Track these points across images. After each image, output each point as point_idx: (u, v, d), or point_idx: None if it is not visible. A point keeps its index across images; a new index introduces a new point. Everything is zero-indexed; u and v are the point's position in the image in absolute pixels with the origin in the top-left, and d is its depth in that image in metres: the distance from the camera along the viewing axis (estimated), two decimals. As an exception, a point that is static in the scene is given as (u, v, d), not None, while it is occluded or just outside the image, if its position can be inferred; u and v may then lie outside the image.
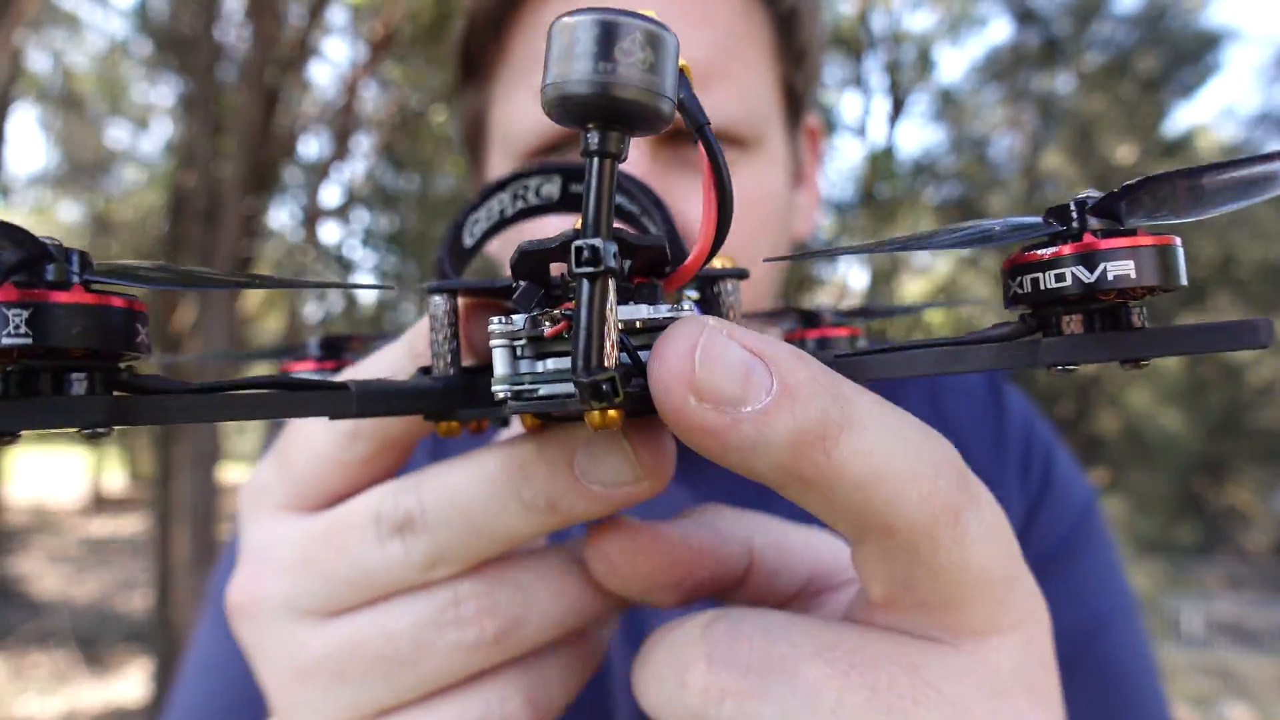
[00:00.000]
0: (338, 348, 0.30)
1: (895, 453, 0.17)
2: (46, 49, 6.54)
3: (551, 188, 0.24)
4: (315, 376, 0.19)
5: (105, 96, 7.33)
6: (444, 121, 4.95)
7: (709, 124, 0.16)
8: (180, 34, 4.40)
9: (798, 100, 0.54)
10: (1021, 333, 0.17)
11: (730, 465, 0.17)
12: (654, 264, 0.18)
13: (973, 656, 0.19)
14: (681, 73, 0.15)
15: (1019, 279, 0.16)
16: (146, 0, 5.27)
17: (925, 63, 8.25)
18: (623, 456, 0.20)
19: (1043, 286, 0.16)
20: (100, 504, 11.00)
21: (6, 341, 0.15)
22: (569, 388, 0.17)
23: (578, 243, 0.15)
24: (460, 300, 0.21)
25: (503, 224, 0.24)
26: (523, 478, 0.21)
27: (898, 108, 8.21)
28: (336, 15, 5.43)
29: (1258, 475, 6.83)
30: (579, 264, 0.15)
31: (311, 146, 5.48)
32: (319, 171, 5.18)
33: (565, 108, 0.14)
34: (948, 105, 8.36)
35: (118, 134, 8.06)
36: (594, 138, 0.14)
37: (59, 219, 7.99)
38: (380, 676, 0.23)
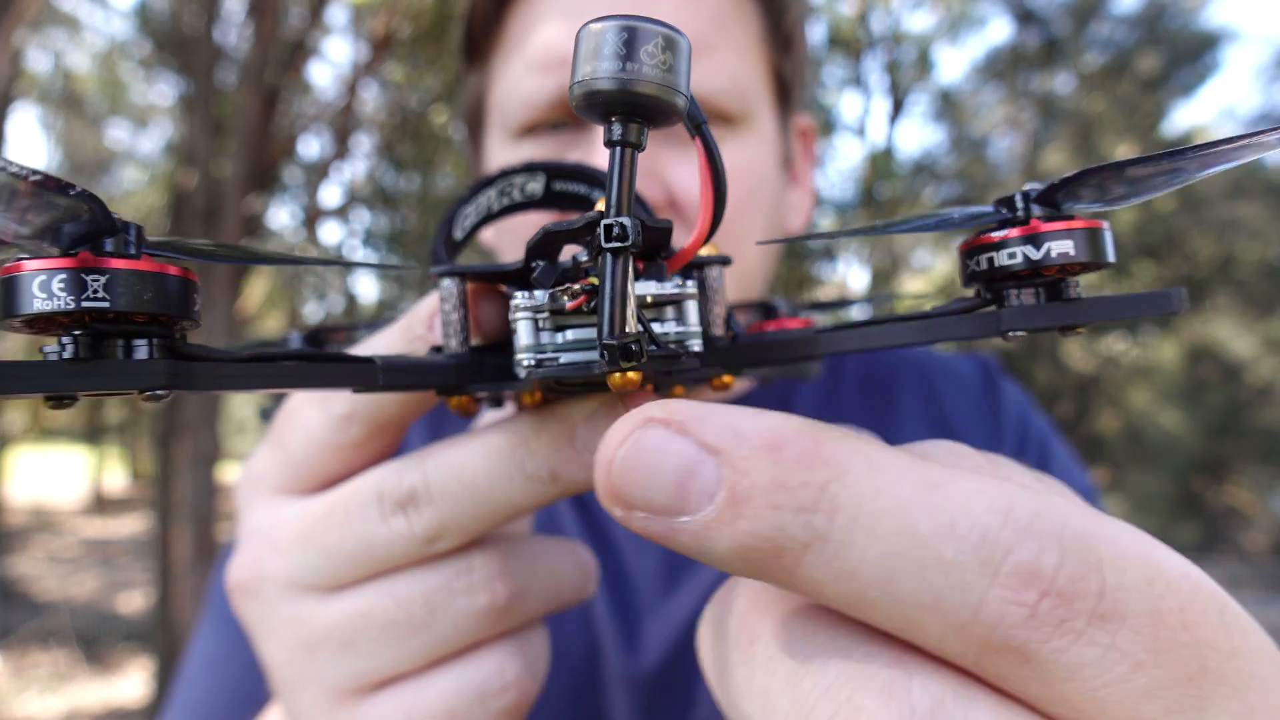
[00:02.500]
0: (320, 339, 0.30)
1: (897, 573, 0.14)
2: (47, 49, 6.54)
3: (536, 185, 0.25)
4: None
5: (105, 97, 7.33)
6: (444, 122, 4.95)
7: (707, 122, 0.17)
8: (180, 34, 4.40)
9: (786, 88, 0.55)
10: (978, 306, 0.19)
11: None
12: (658, 247, 0.19)
13: None
14: None
15: (976, 258, 0.18)
16: (146, 0, 5.27)
17: (925, 63, 8.25)
18: None
19: (997, 264, 0.18)
20: (101, 504, 11.00)
21: (86, 305, 0.15)
22: (589, 354, 0.18)
23: (606, 220, 0.16)
24: (469, 284, 0.22)
25: (489, 218, 0.25)
26: (526, 451, 0.22)
27: (897, 108, 8.21)
28: (336, 15, 5.44)
29: (1257, 475, 6.83)
30: (608, 239, 0.16)
31: (312, 146, 5.49)
32: (319, 171, 5.18)
33: (591, 103, 0.15)
34: (947, 105, 8.36)
35: (117, 134, 8.06)
36: (617, 129, 0.16)
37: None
38: (390, 643, 0.24)
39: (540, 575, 0.25)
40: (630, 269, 0.16)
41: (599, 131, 0.48)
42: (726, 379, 0.21)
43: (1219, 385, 7.04)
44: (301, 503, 0.25)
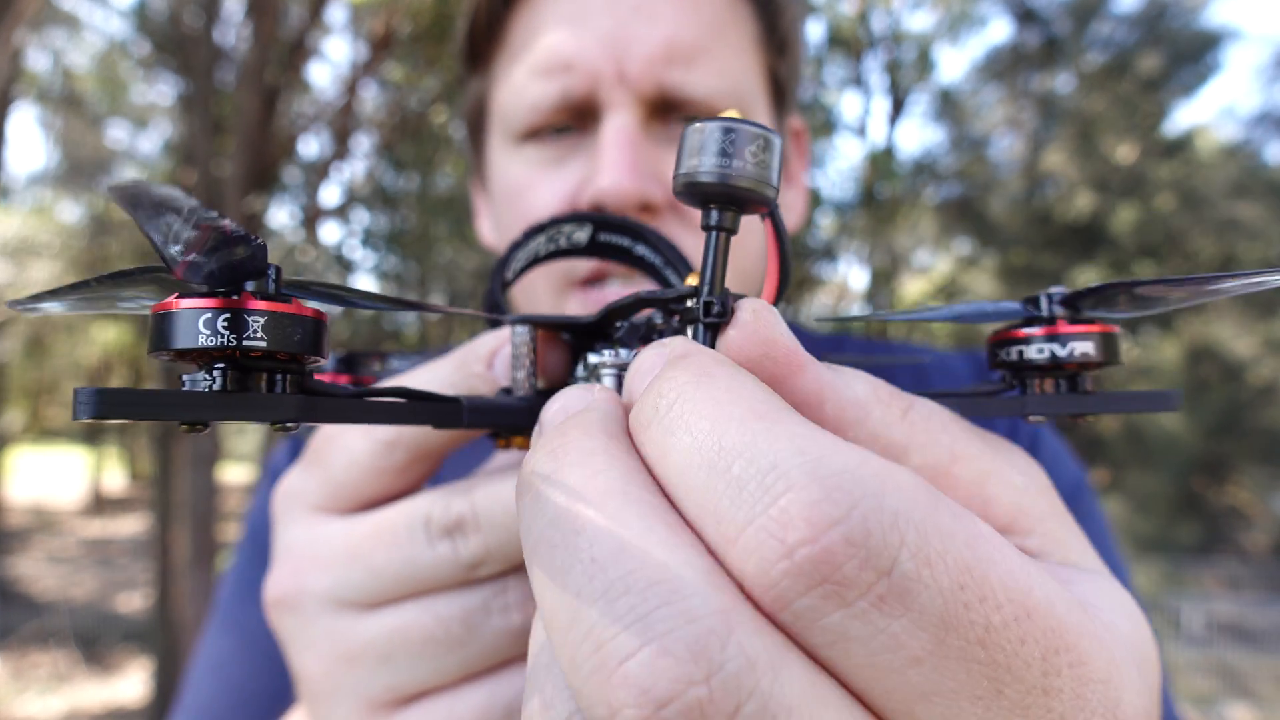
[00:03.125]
0: (354, 362, 0.31)
1: (692, 468, 0.15)
2: (46, 48, 6.54)
3: (581, 234, 0.27)
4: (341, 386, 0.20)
5: (104, 96, 7.33)
6: (444, 122, 4.95)
7: (778, 206, 0.19)
8: (180, 34, 4.39)
9: (782, 89, 0.56)
10: (1003, 389, 0.22)
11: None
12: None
13: None
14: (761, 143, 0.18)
15: (1007, 349, 0.21)
16: (145, 0, 5.26)
17: (925, 62, 8.25)
18: None
19: (1025, 356, 0.20)
20: (100, 504, 11.00)
21: (246, 343, 0.17)
22: None
23: (707, 298, 0.18)
24: (539, 331, 0.24)
25: (537, 261, 0.28)
26: None
27: (898, 107, 8.20)
28: (336, 14, 5.43)
29: (1258, 475, 6.82)
30: (708, 315, 0.18)
31: (311, 146, 5.48)
32: (319, 171, 5.18)
33: (693, 192, 0.18)
34: (948, 105, 8.36)
35: (117, 134, 8.06)
36: (714, 216, 0.18)
37: (59, 219, 7.98)
38: (427, 658, 0.25)
39: None
40: (714, 333, 0.18)
41: (599, 135, 0.48)
42: None
43: (1219, 385, 7.04)
44: (343, 521, 0.27)
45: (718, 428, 0.15)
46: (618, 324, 0.23)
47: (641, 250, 0.27)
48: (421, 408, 0.21)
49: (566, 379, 0.24)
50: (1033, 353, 0.20)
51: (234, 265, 0.17)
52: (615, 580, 0.14)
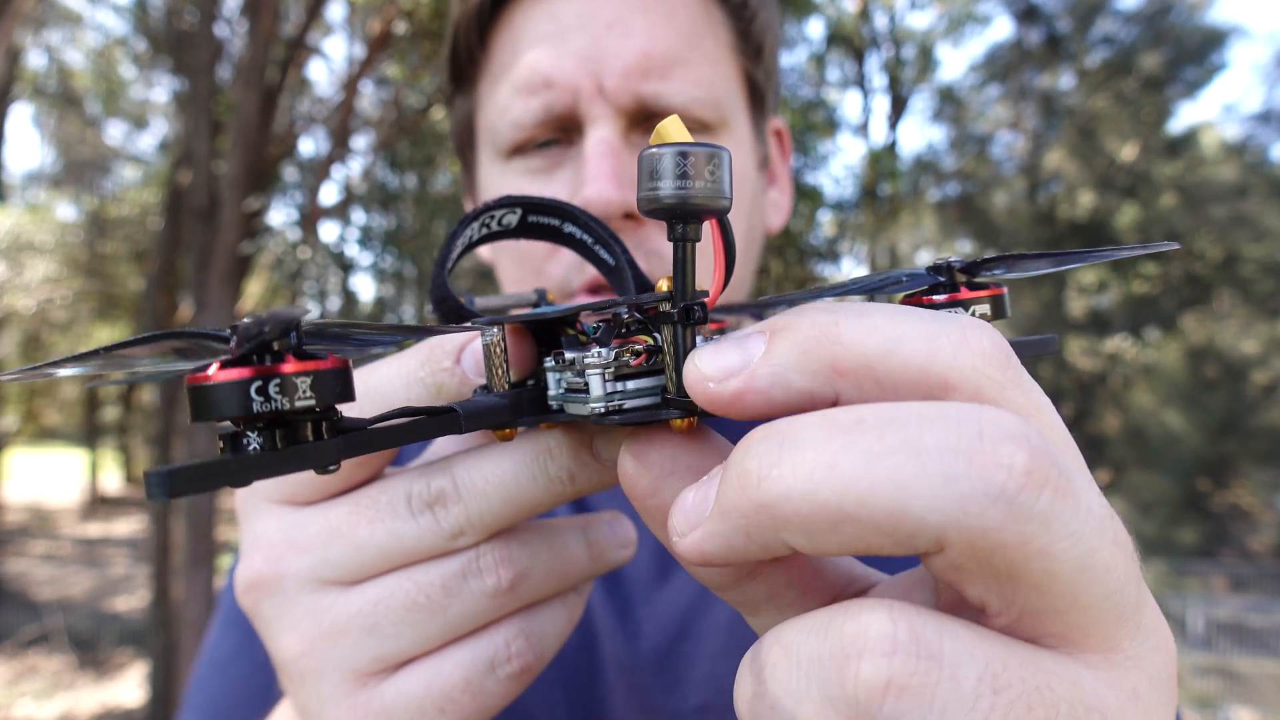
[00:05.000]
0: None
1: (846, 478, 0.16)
2: (42, 46, 6.51)
3: (512, 217, 0.29)
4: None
5: (102, 94, 7.30)
6: (443, 119, 4.92)
7: (730, 209, 0.21)
8: (178, 32, 4.37)
9: (759, 93, 0.58)
10: None
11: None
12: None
13: (1097, 673, 0.18)
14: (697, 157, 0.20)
15: None
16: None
17: (926, 61, 8.23)
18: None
19: None
20: (97, 504, 10.98)
21: (300, 404, 0.18)
22: (650, 399, 0.22)
23: (686, 303, 0.21)
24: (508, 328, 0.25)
25: (470, 247, 0.29)
26: (550, 457, 0.26)
27: (899, 106, 8.19)
28: (335, 13, 5.41)
29: (1261, 476, 6.80)
30: (687, 320, 0.21)
31: (310, 146, 5.46)
32: (318, 170, 5.15)
33: (656, 211, 0.20)
34: (949, 104, 8.34)
35: (114, 132, 8.04)
36: (678, 229, 0.20)
37: (55, 217, 7.95)
38: (410, 625, 0.27)
39: (542, 559, 0.28)
40: (695, 338, 0.21)
41: (583, 147, 0.51)
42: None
43: (1222, 385, 7.02)
44: (316, 508, 0.28)
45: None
46: (596, 324, 0.24)
47: (570, 229, 0.29)
48: (427, 423, 0.22)
49: (535, 366, 0.26)
50: None
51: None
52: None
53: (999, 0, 8.02)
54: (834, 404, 0.19)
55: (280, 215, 5.93)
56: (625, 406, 0.22)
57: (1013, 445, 0.16)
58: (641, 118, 0.50)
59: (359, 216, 6.15)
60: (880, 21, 8.01)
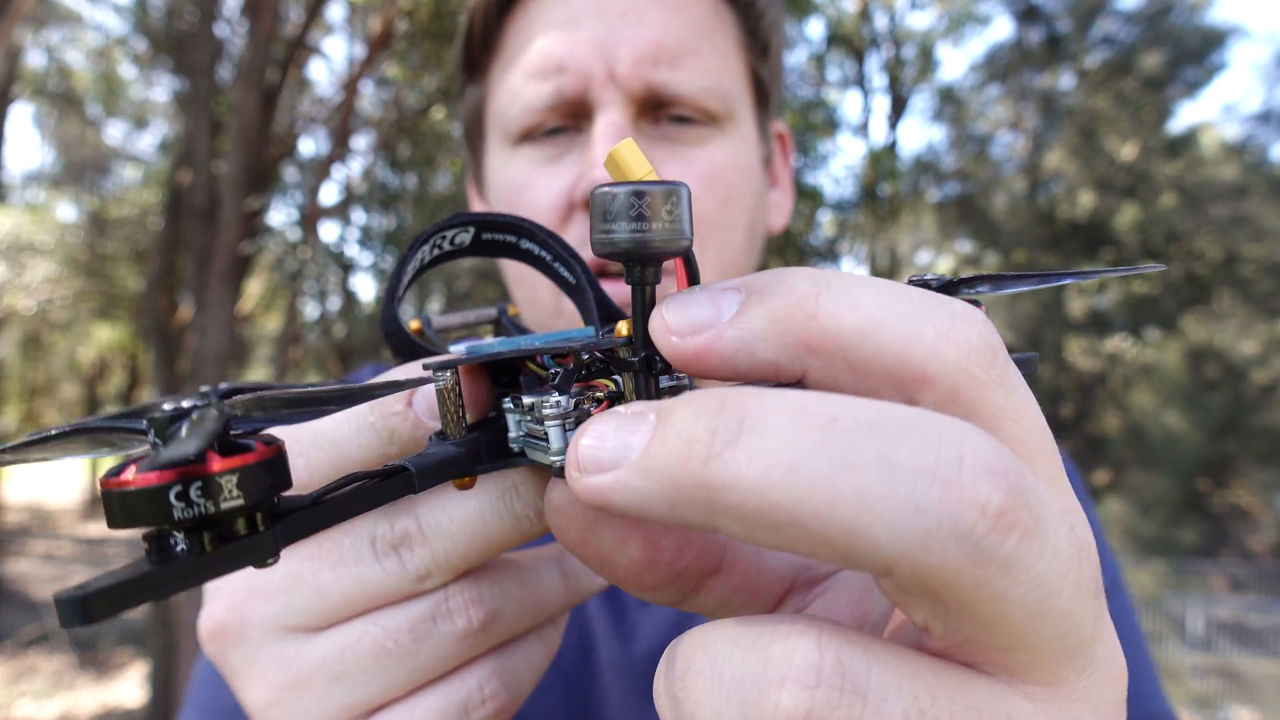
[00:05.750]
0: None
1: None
2: (41, 46, 6.51)
3: (465, 236, 0.27)
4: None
5: (101, 94, 7.30)
6: (443, 119, 4.92)
7: (690, 249, 0.19)
8: (178, 31, 4.37)
9: (765, 91, 0.58)
10: None
11: None
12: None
13: (1035, 705, 0.17)
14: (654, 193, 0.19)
15: None
16: (143, -2, 5.24)
17: (927, 61, 8.23)
18: None
19: None
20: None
21: (226, 506, 0.17)
22: None
23: (647, 353, 0.20)
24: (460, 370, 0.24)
25: (423, 270, 0.28)
26: (515, 494, 0.25)
27: (899, 106, 8.18)
28: (335, 13, 5.41)
29: (1261, 476, 6.80)
30: (650, 370, 0.20)
31: (310, 146, 5.46)
32: (318, 170, 5.15)
33: (611, 253, 0.19)
34: (949, 104, 8.33)
35: (114, 132, 8.04)
36: (636, 273, 0.19)
37: (56, 217, 7.95)
38: (379, 671, 0.26)
39: (514, 595, 0.27)
40: (659, 386, 0.20)
41: (592, 134, 0.49)
42: None
43: (1223, 385, 7.02)
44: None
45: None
46: (554, 370, 0.23)
47: (528, 245, 0.27)
48: (378, 488, 0.21)
49: (492, 404, 0.25)
50: None
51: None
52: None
53: (999, 0, 8.02)
54: (799, 381, 0.18)
55: (280, 215, 5.93)
56: None
57: (991, 481, 0.14)
58: (651, 105, 0.51)
59: (359, 216, 6.14)
60: (880, 21, 8.01)
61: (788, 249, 6.16)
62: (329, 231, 6.75)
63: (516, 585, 0.27)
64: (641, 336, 0.20)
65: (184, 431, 0.16)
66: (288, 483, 0.18)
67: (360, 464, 0.25)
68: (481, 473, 0.23)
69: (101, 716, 4.63)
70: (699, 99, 0.51)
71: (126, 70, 7.20)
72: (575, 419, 0.21)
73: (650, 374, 0.20)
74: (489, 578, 0.27)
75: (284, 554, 0.24)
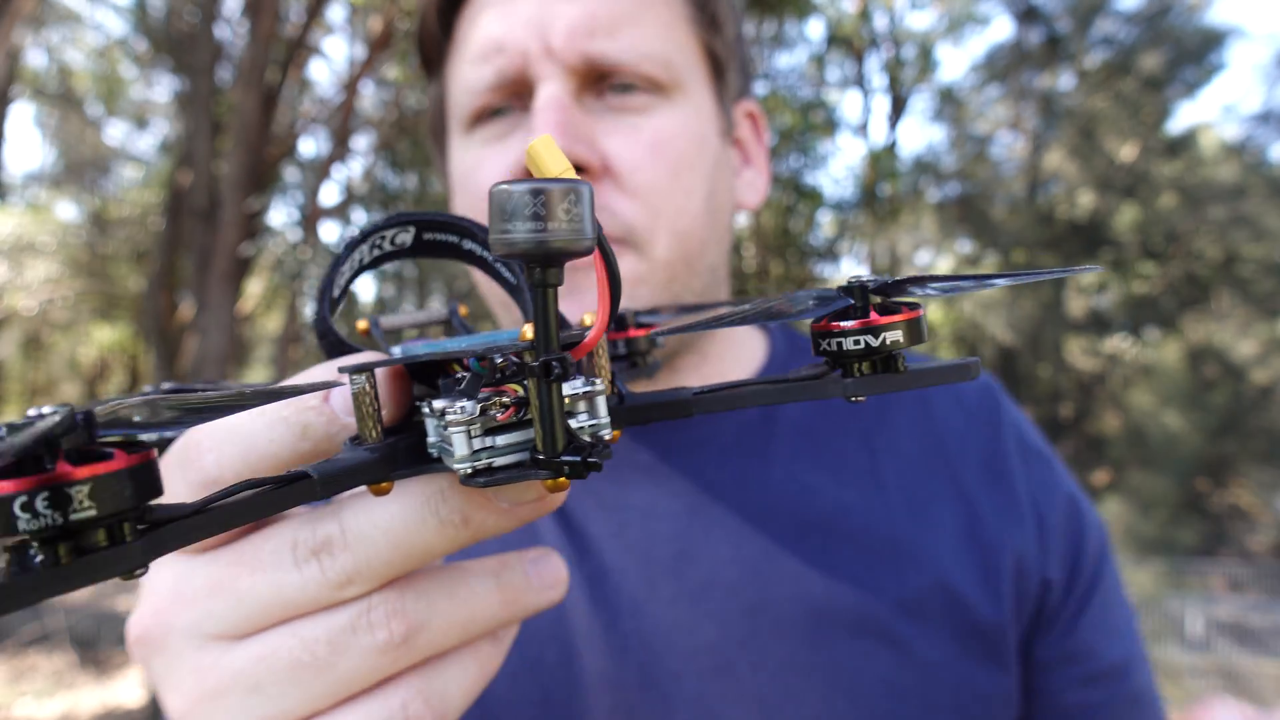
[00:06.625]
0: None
1: None
2: (41, 46, 6.51)
3: (405, 236, 0.26)
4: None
5: (101, 94, 7.30)
6: (443, 120, 4.92)
7: (604, 240, 0.19)
8: (178, 32, 4.37)
9: (720, 65, 0.57)
10: (826, 373, 0.23)
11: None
12: (567, 346, 0.21)
13: None
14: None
15: (828, 340, 0.23)
16: (144, -2, 5.24)
17: (926, 61, 8.23)
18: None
19: (844, 348, 0.22)
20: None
21: (75, 518, 0.16)
22: (521, 454, 0.21)
23: (546, 358, 0.19)
24: (379, 373, 0.23)
25: (361, 271, 0.27)
26: (441, 499, 0.24)
27: (898, 107, 8.19)
28: (335, 13, 5.41)
29: (1260, 476, 6.80)
30: (548, 375, 0.19)
31: (310, 146, 5.46)
32: (318, 171, 5.15)
33: (510, 254, 0.18)
34: (948, 104, 8.33)
35: (114, 132, 8.04)
36: (536, 274, 0.18)
37: (56, 217, 7.95)
38: (296, 684, 0.25)
39: (441, 608, 0.26)
40: (561, 394, 0.19)
41: (535, 113, 0.49)
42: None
43: (1222, 385, 7.02)
44: (206, 556, 0.26)
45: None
46: (461, 374, 0.23)
47: (470, 245, 0.27)
48: (275, 495, 0.20)
49: (409, 408, 0.24)
50: (850, 344, 0.22)
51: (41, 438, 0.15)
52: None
53: (999, 0, 8.02)
54: None
55: (281, 216, 5.93)
56: (494, 465, 0.20)
57: None
58: (593, 78, 0.50)
59: (359, 217, 6.15)
60: (880, 21, 8.01)
61: (788, 249, 6.16)
62: (329, 231, 6.75)
63: (444, 597, 0.26)
64: (543, 341, 0.19)
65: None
66: (156, 491, 0.17)
67: (271, 460, 0.24)
68: (399, 478, 0.23)
69: (102, 716, 4.63)
70: (639, 66, 0.50)
71: (127, 70, 7.21)
72: (481, 425, 0.20)
73: (548, 380, 0.19)
74: (415, 589, 0.25)
75: (208, 559, 0.26)
